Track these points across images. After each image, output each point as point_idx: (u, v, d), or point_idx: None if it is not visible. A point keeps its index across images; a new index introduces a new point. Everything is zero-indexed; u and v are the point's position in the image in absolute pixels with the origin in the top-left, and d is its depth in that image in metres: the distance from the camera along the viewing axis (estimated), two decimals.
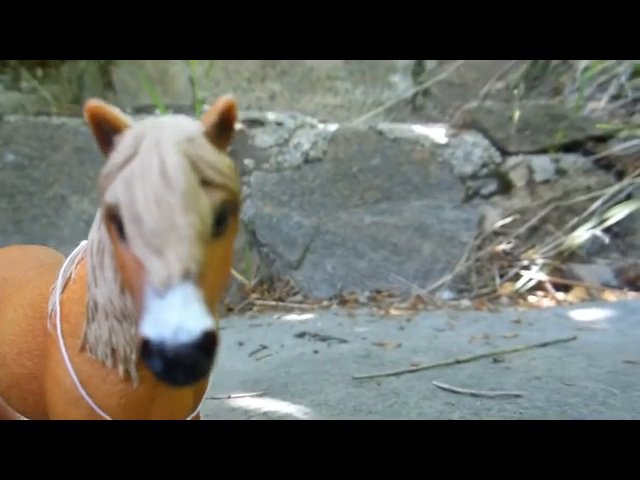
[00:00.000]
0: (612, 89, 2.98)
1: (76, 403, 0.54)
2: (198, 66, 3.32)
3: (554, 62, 3.56)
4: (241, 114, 2.50)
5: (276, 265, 2.29)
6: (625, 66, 3.02)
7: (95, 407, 0.54)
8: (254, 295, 2.20)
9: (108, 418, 0.54)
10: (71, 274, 0.56)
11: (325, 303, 2.15)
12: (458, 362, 1.16)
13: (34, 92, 2.99)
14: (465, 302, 2.00)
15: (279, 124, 2.45)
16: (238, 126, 2.41)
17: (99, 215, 0.51)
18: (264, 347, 1.40)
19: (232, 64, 3.52)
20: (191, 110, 2.45)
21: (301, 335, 1.53)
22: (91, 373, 0.54)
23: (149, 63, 3.40)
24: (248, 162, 2.34)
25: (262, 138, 2.39)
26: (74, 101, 3.16)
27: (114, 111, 0.43)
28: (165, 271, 0.38)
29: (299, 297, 2.21)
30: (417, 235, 2.29)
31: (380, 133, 2.40)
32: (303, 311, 2.04)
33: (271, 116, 2.48)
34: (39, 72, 3.10)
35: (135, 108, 2.48)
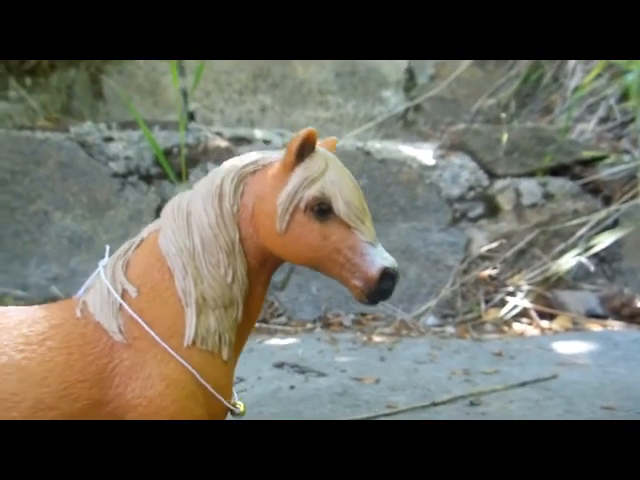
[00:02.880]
0: (601, 111, 2.99)
1: (194, 395, 0.63)
2: (188, 77, 3.30)
3: (545, 80, 3.57)
4: (228, 131, 2.48)
5: None
6: (614, 88, 3.03)
7: (214, 392, 0.63)
8: None
9: (223, 401, 0.65)
10: (124, 290, 0.64)
11: (309, 326, 2.13)
12: (435, 404, 1.14)
13: (22, 102, 2.96)
14: (449, 329, 1.98)
15: (267, 142, 2.43)
16: (224, 144, 2.39)
17: (181, 224, 0.64)
18: (241, 380, 1.38)
19: (223, 76, 3.50)
20: (178, 125, 2.42)
21: (280, 365, 1.51)
22: (203, 363, 0.63)
23: (140, 73, 3.38)
24: None
25: None
26: (63, 111, 3.13)
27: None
28: (371, 231, 0.64)
29: (283, 319, 2.19)
30: (403, 258, 2.28)
31: (367, 153, 2.39)
32: (286, 334, 2.02)
33: (259, 134, 2.46)
34: (28, 81, 3.07)
35: (121, 123, 2.45)
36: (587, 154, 2.33)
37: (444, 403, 1.15)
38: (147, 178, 2.29)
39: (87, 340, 0.62)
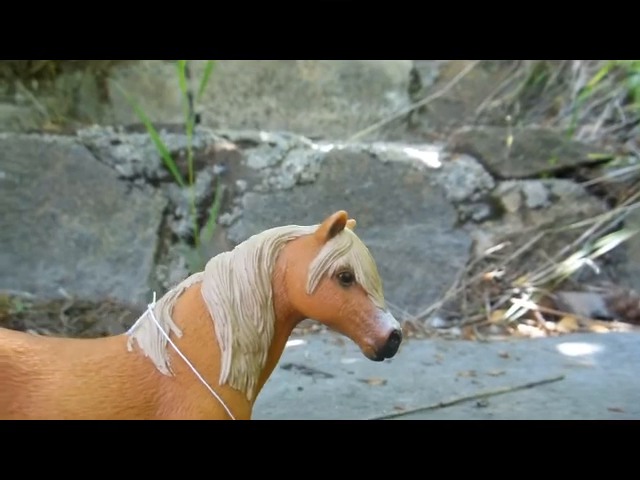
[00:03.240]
0: (606, 113, 2.99)
1: None
2: (194, 79, 3.32)
3: (550, 82, 3.57)
4: (234, 134, 2.50)
5: None
6: (619, 90, 3.03)
7: None
8: None
9: None
10: (171, 330, 0.73)
11: (315, 327, 2.14)
12: (442, 406, 1.15)
13: (29, 105, 2.98)
14: (455, 331, 1.99)
15: (272, 145, 2.45)
16: (230, 146, 2.41)
17: (224, 278, 0.75)
18: None
19: (228, 78, 3.52)
20: (184, 128, 2.44)
21: (288, 367, 1.52)
22: (233, 400, 0.72)
23: (146, 76, 3.40)
24: (240, 183, 2.34)
25: (255, 159, 2.38)
26: (69, 114, 3.15)
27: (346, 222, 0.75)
28: (382, 299, 0.74)
29: None
30: (409, 260, 2.29)
31: (373, 156, 2.40)
32: (293, 336, 2.02)
33: (264, 136, 2.47)
34: (34, 84, 3.09)
35: (128, 127, 2.47)
36: (592, 156, 2.34)
37: (452, 404, 1.16)
38: (154, 181, 2.31)
39: (137, 372, 0.71)
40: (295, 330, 2.07)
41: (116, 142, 2.35)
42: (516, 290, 2.16)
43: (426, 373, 1.43)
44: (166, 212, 2.29)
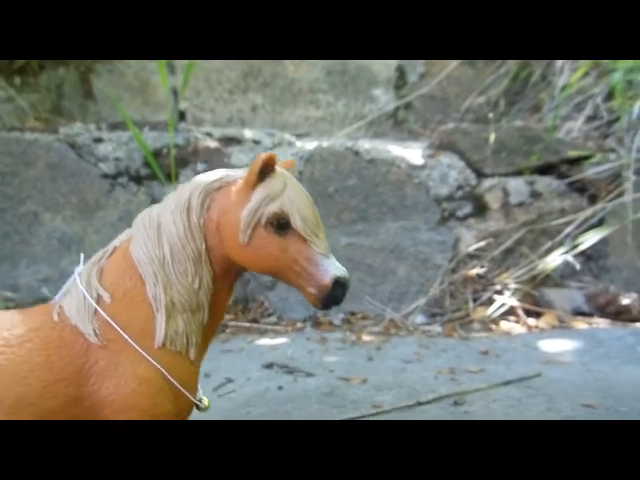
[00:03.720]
0: (588, 110, 3.01)
1: (164, 392, 0.69)
2: (179, 76, 3.30)
3: (534, 78, 3.59)
4: (218, 131, 2.49)
5: (251, 285, 2.28)
6: (601, 87, 3.05)
7: (182, 389, 0.69)
8: (228, 316, 2.19)
9: (190, 396, 0.72)
10: (99, 295, 0.69)
11: (299, 325, 2.15)
12: (419, 404, 1.16)
13: (11, 101, 2.95)
14: (437, 328, 2.01)
15: (256, 142, 2.44)
16: (214, 144, 2.40)
17: (151, 234, 0.70)
18: (229, 380, 1.40)
19: (214, 75, 3.50)
20: (167, 125, 2.43)
21: (269, 366, 1.52)
22: (172, 363, 0.68)
23: (130, 72, 3.37)
24: None
25: (238, 157, 2.38)
26: (53, 111, 3.12)
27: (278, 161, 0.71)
28: (325, 244, 0.69)
29: (273, 318, 2.20)
30: (392, 257, 2.30)
31: (357, 153, 2.40)
32: (276, 334, 2.03)
33: (248, 134, 2.47)
34: (17, 80, 3.06)
35: (111, 124, 2.45)
36: (573, 153, 2.36)
37: (429, 403, 1.18)
38: (137, 179, 2.30)
39: (65, 342, 0.67)
40: (278, 328, 2.09)
41: (99, 140, 2.33)
42: (498, 287, 2.18)
43: (406, 371, 1.44)
44: None
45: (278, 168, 0.71)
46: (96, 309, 0.69)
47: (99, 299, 0.69)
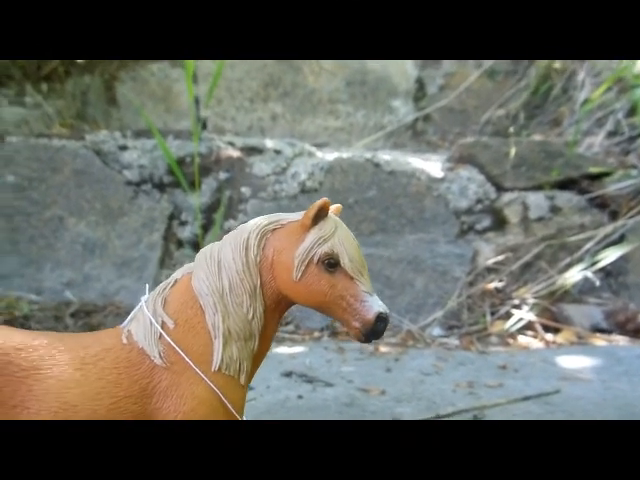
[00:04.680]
0: (609, 125, 3.00)
1: (218, 412, 0.75)
2: (201, 84, 3.35)
3: (555, 92, 3.58)
4: (240, 141, 2.53)
5: None
6: (623, 102, 3.04)
7: (233, 411, 0.75)
8: None
9: (239, 417, 0.77)
10: (163, 322, 0.76)
11: (316, 334, 2.16)
12: (439, 417, 1.17)
13: (38, 107, 3.01)
14: (454, 341, 2.01)
15: (277, 152, 2.47)
16: (236, 153, 2.43)
17: (213, 269, 0.77)
18: (250, 388, 1.41)
19: (235, 83, 3.54)
20: (190, 134, 2.48)
21: (288, 374, 1.54)
22: (226, 386, 0.74)
23: (153, 80, 3.43)
24: (245, 190, 2.36)
25: (260, 166, 2.41)
26: (78, 117, 3.18)
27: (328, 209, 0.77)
28: (369, 283, 0.74)
29: (291, 327, 2.22)
30: (410, 269, 2.31)
31: (377, 165, 2.42)
32: (294, 342, 2.05)
33: (269, 144, 2.50)
34: (44, 87, 3.13)
35: (136, 132, 2.50)
36: (594, 170, 2.36)
37: (448, 416, 1.18)
38: (160, 186, 2.34)
39: (132, 363, 0.74)
40: (296, 337, 2.10)
41: (124, 147, 2.38)
42: (516, 301, 2.17)
43: (425, 383, 1.45)
44: (172, 217, 2.32)
45: (330, 213, 0.78)
46: (161, 334, 0.75)
47: (163, 325, 0.76)
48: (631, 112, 2.97)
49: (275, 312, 0.79)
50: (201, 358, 0.75)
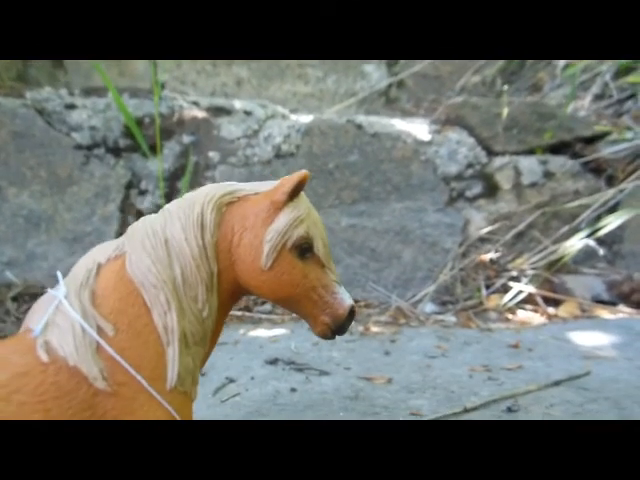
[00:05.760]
0: (595, 88, 2.87)
1: None
2: None
3: None
4: (205, 101, 2.26)
5: None
6: (608, 64, 2.91)
7: None
8: None
9: None
10: (99, 327, 0.55)
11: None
12: (466, 411, 0.98)
13: None
14: (451, 317, 1.83)
15: (248, 113, 2.22)
16: (202, 114, 2.17)
17: (160, 253, 0.58)
18: (231, 381, 1.19)
19: None
20: (148, 93, 2.19)
21: (273, 362, 1.32)
22: (182, 407, 0.57)
23: None
24: (213, 155, 2.11)
25: (229, 129, 2.15)
26: (18, 78, 2.84)
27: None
28: (335, 271, 0.66)
29: (267, 306, 2.00)
30: (397, 240, 2.11)
31: (359, 127, 2.20)
32: (272, 324, 1.83)
33: (239, 104, 2.24)
34: None
35: (85, 89, 2.20)
36: (599, 128, 2.20)
37: (476, 409, 0.99)
38: (115, 151, 2.06)
39: (64, 391, 0.51)
40: (274, 317, 1.88)
41: (71, 106, 2.08)
42: (514, 273, 2.01)
43: (433, 368, 1.26)
44: (129, 186, 2.05)
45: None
46: (99, 345, 0.54)
47: (100, 332, 0.54)
48: (618, 74, 2.85)
49: (226, 307, 0.64)
50: (154, 374, 0.54)
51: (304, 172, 0.63)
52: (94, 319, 0.54)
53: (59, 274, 0.59)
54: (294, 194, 0.62)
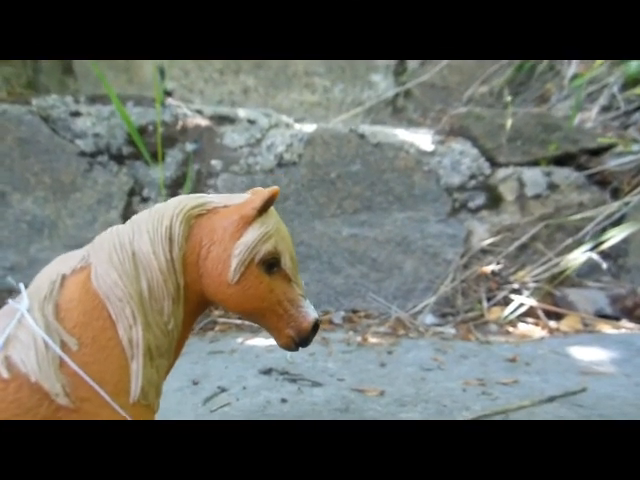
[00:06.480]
0: (603, 99, 2.85)
1: None
2: None
3: (540, 68, 3.43)
4: (209, 109, 2.27)
5: None
6: (616, 76, 2.90)
7: None
8: (217, 312, 1.98)
9: None
10: (62, 342, 0.54)
11: None
12: None
13: None
14: (450, 330, 1.81)
15: (251, 122, 2.23)
16: (205, 122, 2.18)
17: (127, 266, 0.58)
18: (222, 390, 1.18)
19: None
20: (153, 101, 2.21)
21: (267, 372, 1.31)
22: (144, 418, 0.57)
23: None
24: (215, 163, 2.11)
25: (232, 137, 2.16)
26: (28, 86, 2.87)
27: None
28: (302, 285, 0.67)
29: None
30: (399, 250, 2.10)
31: (362, 137, 2.20)
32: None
33: (242, 113, 2.25)
34: None
35: (90, 97, 2.22)
36: (603, 140, 2.18)
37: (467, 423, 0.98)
38: (118, 158, 2.07)
39: (25, 408, 0.51)
40: None
41: (76, 114, 2.09)
42: (515, 285, 1.99)
43: (427, 381, 1.25)
44: (132, 193, 2.06)
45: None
46: (62, 360, 0.53)
47: (64, 347, 0.54)
48: (625, 86, 2.83)
49: (191, 320, 0.64)
50: (117, 388, 0.54)
51: (275, 188, 0.64)
52: (58, 333, 0.53)
53: (22, 285, 0.58)
54: (264, 209, 0.63)
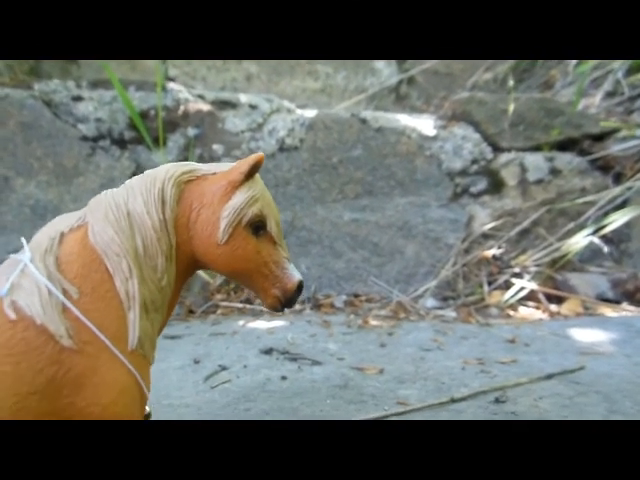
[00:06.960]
0: (607, 85, 2.83)
1: (137, 399, 0.61)
2: None
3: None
4: (211, 94, 2.27)
5: None
6: (620, 62, 2.88)
7: (147, 393, 0.62)
8: (219, 296, 1.99)
9: (148, 410, 0.66)
10: (64, 289, 0.57)
11: (297, 307, 1.95)
12: (453, 401, 0.97)
13: None
14: (451, 313, 1.82)
15: (253, 107, 2.22)
16: (206, 107, 2.18)
17: (123, 224, 0.61)
18: (223, 368, 1.20)
19: None
20: (155, 86, 2.21)
21: (268, 351, 1.33)
22: (141, 368, 0.60)
23: None
24: (217, 148, 2.12)
25: (233, 122, 2.16)
26: (31, 73, 2.88)
27: None
28: (286, 249, 0.70)
29: None
30: (400, 235, 2.11)
31: (363, 121, 2.20)
32: (273, 316, 1.83)
33: (244, 98, 2.25)
34: None
35: (92, 82, 2.22)
36: (605, 124, 2.17)
37: (464, 399, 0.99)
38: (120, 142, 2.07)
39: (32, 346, 0.54)
40: None
41: (78, 98, 2.10)
42: (516, 269, 1.99)
43: (427, 360, 1.25)
44: (134, 176, 2.07)
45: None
46: (65, 306, 0.56)
47: (65, 294, 0.57)
48: (630, 72, 2.81)
49: (183, 279, 0.68)
50: (116, 335, 0.58)
51: (260, 154, 0.67)
52: (59, 282, 0.57)
53: (23, 240, 0.60)
54: (250, 175, 0.66)
